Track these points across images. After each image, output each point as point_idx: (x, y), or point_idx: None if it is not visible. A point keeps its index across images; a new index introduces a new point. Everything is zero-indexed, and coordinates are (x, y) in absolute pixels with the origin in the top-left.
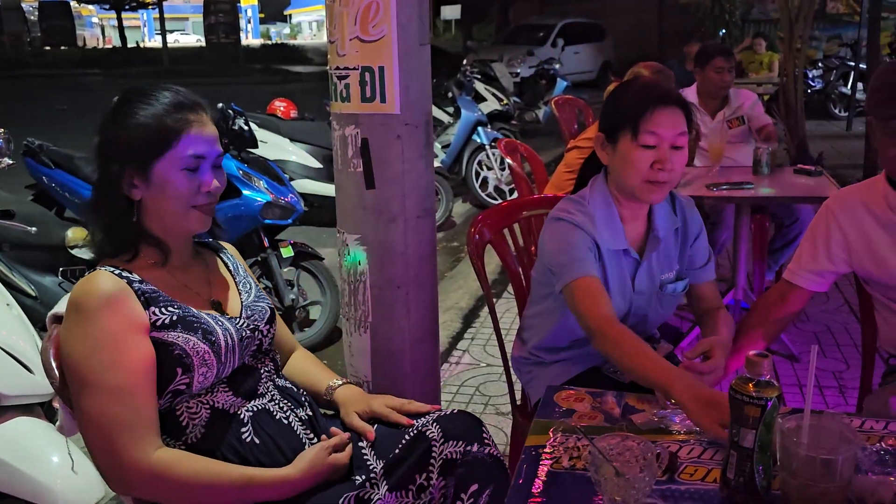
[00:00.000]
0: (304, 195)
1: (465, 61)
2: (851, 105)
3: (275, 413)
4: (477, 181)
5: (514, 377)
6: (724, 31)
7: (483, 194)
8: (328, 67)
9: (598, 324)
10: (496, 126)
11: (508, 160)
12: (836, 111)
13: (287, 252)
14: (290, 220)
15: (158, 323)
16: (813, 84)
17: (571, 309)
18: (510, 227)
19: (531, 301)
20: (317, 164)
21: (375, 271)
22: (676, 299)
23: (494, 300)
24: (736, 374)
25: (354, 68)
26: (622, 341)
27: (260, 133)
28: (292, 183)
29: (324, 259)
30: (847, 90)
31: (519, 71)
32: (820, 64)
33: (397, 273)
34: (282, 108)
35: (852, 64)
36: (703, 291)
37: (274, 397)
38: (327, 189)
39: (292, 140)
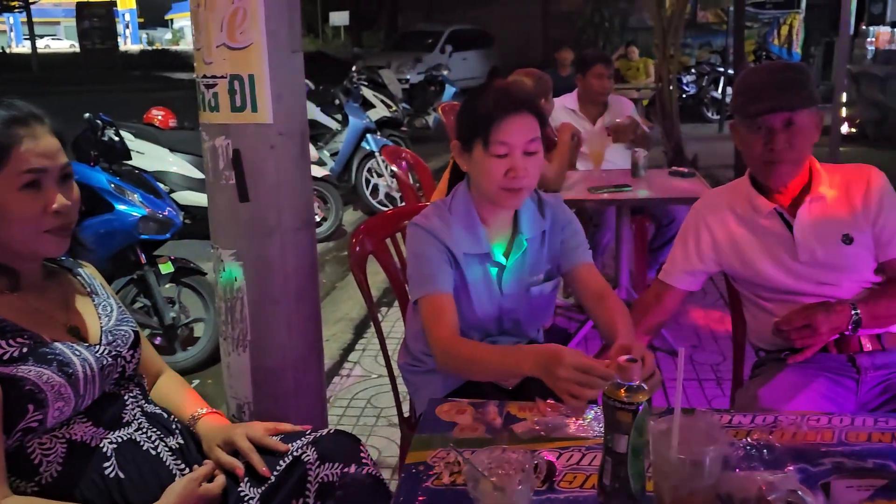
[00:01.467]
0: (186, 207)
1: (353, 68)
2: (722, 108)
3: (142, 443)
4: (367, 189)
5: (401, 389)
6: (603, 38)
7: (374, 202)
8: (195, 76)
9: (439, 343)
10: (386, 133)
11: (393, 168)
12: (709, 114)
13: (166, 268)
14: (168, 235)
15: (5, 357)
16: (687, 89)
17: (421, 324)
18: (393, 236)
19: (411, 305)
20: (199, 175)
21: (253, 287)
22: (546, 300)
23: (387, 308)
24: None
25: (222, 76)
26: (464, 348)
27: (136, 143)
28: (173, 195)
29: (206, 274)
30: (718, 94)
31: (408, 77)
32: (693, 70)
33: (276, 288)
34: (159, 117)
35: (722, 70)
36: (582, 274)
37: (141, 425)
38: None
39: (172, 150)
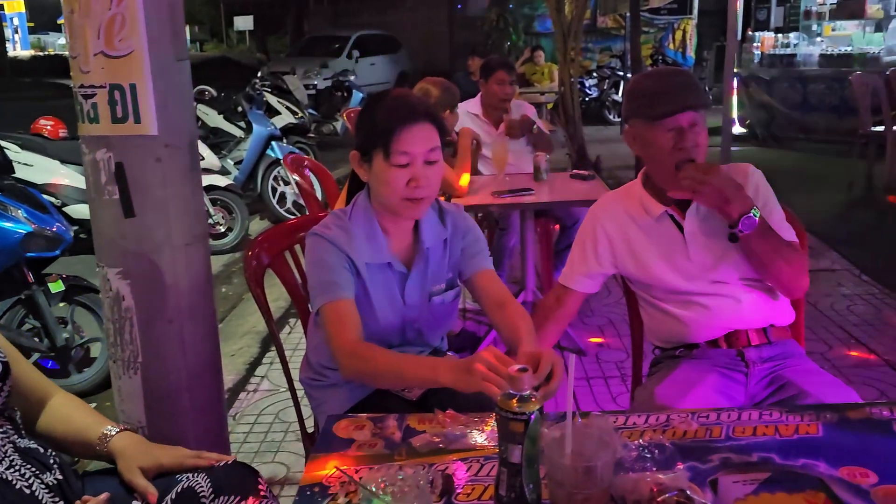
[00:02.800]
0: (80, 221)
1: (258, 74)
2: (623, 111)
3: (14, 482)
4: (274, 197)
5: (305, 405)
6: (508, 42)
7: (281, 210)
8: (72, 85)
9: (345, 347)
10: (292, 140)
11: (295, 177)
12: (611, 117)
13: (56, 287)
14: (57, 252)
15: None
16: (589, 92)
17: (324, 333)
18: (291, 248)
19: (312, 317)
20: None
21: (142, 306)
22: (448, 308)
23: (295, 319)
24: None
25: (101, 86)
26: (373, 354)
27: (22, 156)
28: (66, 209)
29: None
30: (619, 97)
31: (315, 83)
32: (594, 74)
33: (168, 306)
34: (48, 128)
35: (621, 74)
36: (483, 281)
37: (13, 463)
38: None
39: (63, 162)
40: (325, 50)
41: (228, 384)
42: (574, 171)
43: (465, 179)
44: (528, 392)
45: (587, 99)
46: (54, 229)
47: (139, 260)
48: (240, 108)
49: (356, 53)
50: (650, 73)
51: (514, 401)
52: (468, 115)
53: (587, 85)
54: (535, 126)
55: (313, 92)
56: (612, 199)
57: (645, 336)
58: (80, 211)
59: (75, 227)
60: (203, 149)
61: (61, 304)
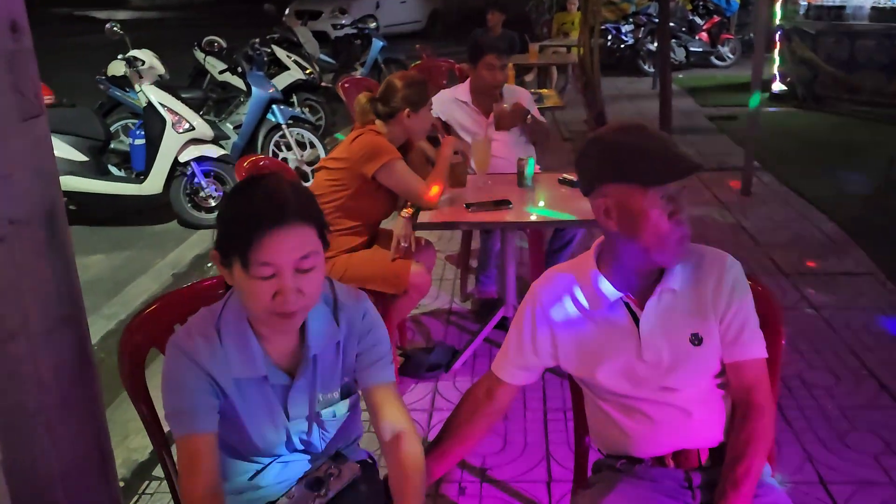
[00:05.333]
0: (68, 193)
1: (286, 10)
2: (656, 62)
3: None
4: None
5: None
6: None
7: None
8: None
9: (190, 500)
10: (301, 97)
11: None
12: (646, 67)
13: None
14: None
15: None
16: (625, 39)
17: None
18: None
19: None
20: (81, 157)
21: None
22: (346, 420)
23: None
24: None
25: None
26: None
27: None
28: None
29: None
30: (653, 47)
31: (343, 21)
32: (631, 20)
33: (29, 399)
34: None
35: (657, 21)
36: (379, 399)
37: None
38: (95, 185)
39: (52, 132)
40: None
41: None
42: (562, 175)
43: (435, 190)
44: None
45: (622, 46)
46: None
47: None
48: (240, 69)
49: None
50: (629, 129)
51: None
52: (455, 102)
53: (623, 31)
54: (529, 115)
55: (338, 36)
56: (558, 280)
57: (590, 435)
58: (66, 183)
59: (64, 199)
60: (193, 117)
61: None
